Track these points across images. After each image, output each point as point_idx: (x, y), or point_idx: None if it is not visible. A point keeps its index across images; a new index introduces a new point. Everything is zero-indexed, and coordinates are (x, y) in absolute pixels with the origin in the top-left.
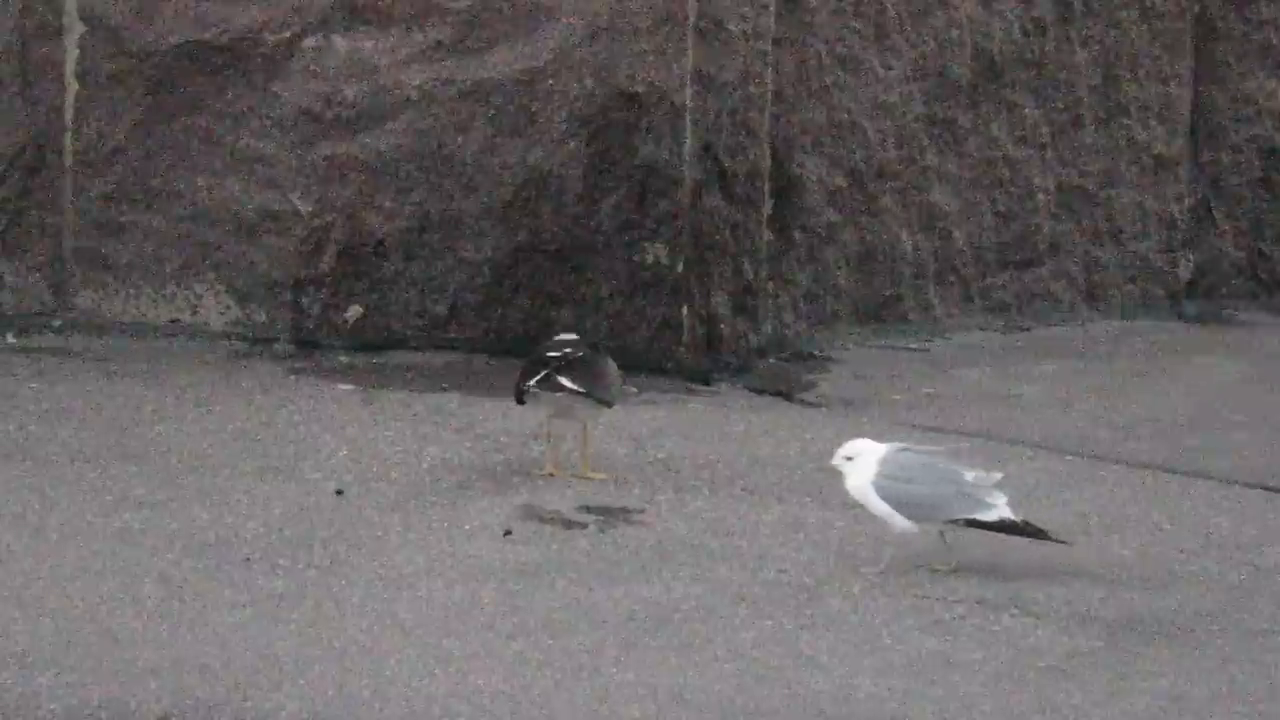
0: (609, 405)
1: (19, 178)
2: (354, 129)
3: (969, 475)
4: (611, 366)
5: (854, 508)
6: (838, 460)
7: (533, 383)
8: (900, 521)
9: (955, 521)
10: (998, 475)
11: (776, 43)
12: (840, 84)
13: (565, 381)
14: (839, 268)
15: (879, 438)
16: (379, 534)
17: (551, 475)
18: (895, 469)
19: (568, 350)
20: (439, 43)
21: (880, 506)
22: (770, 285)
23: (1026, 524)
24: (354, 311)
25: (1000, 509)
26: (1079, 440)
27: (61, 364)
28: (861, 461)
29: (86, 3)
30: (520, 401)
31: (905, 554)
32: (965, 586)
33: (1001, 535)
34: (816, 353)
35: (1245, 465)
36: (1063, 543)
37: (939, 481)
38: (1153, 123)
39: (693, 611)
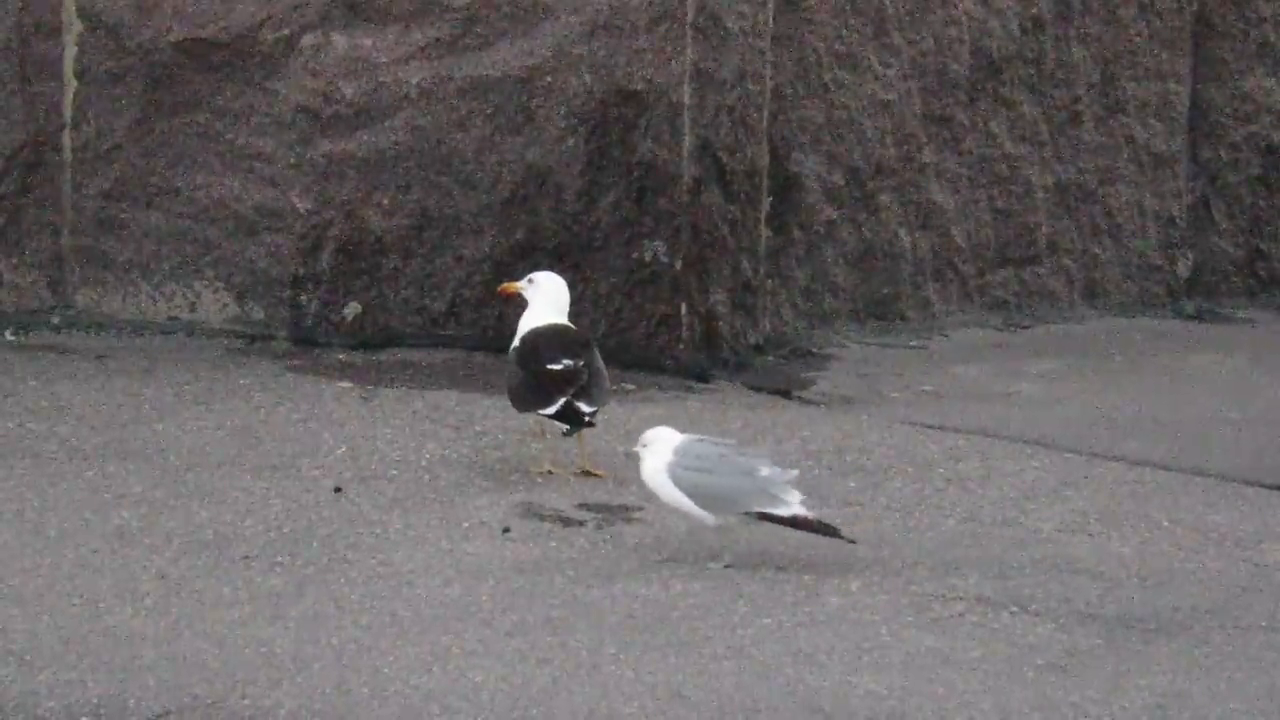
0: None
1: (18, 175)
2: (353, 126)
3: (764, 470)
4: (599, 358)
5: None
6: (639, 447)
7: (550, 413)
8: (693, 510)
9: (748, 514)
10: (794, 473)
11: (775, 40)
12: (839, 81)
13: (583, 408)
14: (838, 265)
15: (879, 436)
16: (378, 532)
17: (550, 473)
18: (691, 459)
19: (568, 361)
20: (438, 40)
21: (674, 495)
22: (769, 283)
23: (819, 521)
24: (352, 309)
25: (794, 505)
26: (1077, 437)
27: (60, 361)
28: (656, 449)
29: (85, 0)
30: (521, 411)
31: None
32: (964, 584)
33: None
34: (815, 350)
35: (1243, 463)
36: (852, 541)
37: (734, 474)
38: (1151, 120)
39: (691, 609)
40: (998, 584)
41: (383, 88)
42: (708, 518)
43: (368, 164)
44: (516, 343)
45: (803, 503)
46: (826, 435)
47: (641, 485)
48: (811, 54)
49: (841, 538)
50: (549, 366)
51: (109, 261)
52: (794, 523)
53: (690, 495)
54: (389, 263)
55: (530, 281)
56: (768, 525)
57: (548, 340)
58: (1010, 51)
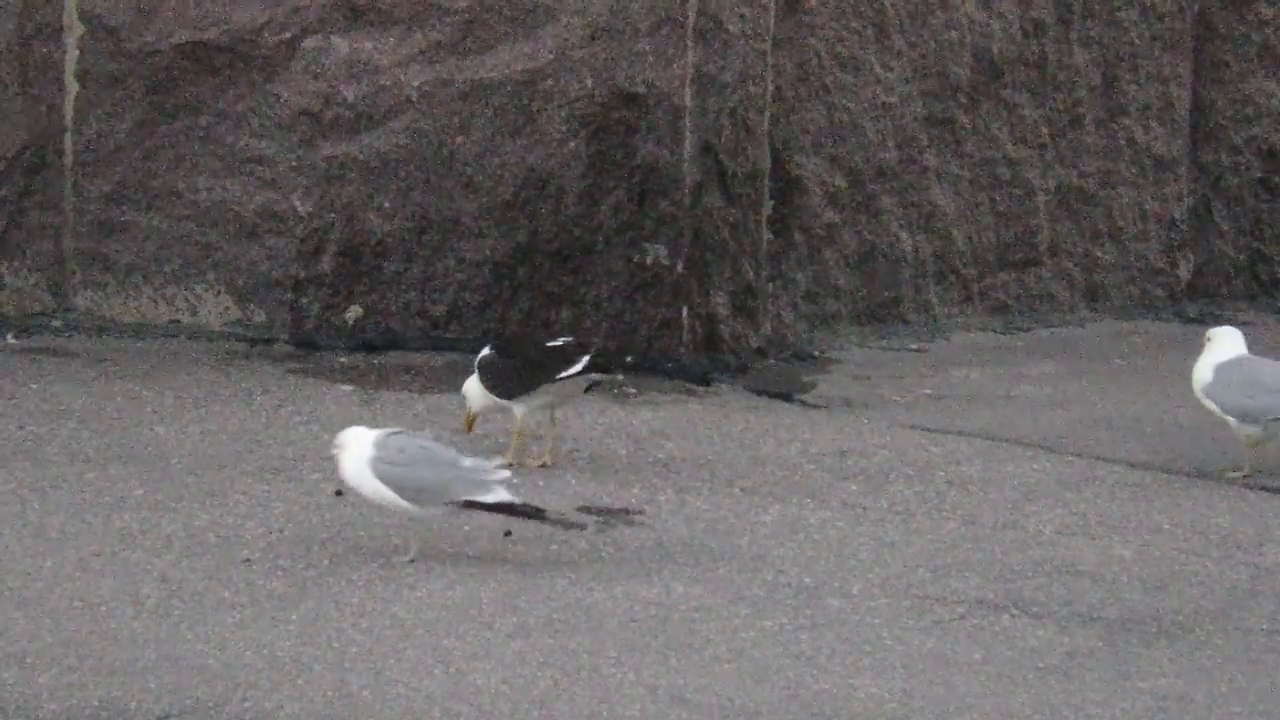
0: None
1: (19, 178)
2: (354, 129)
3: (466, 460)
4: None
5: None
6: (335, 450)
7: (578, 370)
8: (399, 504)
9: (455, 503)
10: (498, 460)
11: (776, 43)
12: (840, 84)
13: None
14: (839, 268)
15: (879, 439)
16: (379, 534)
17: (545, 466)
18: (392, 453)
19: (564, 339)
20: (439, 43)
21: (380, 490)
22: (770, 285)
23: (526, 505)
24: (354, 312)
25: (500, 492)
26: (1078, 440)
27: (61, 364)
28: (354, 448)
29: (86, 3)
30: (534, 385)
31: (419, 537)
32: (965, 587)
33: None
34: (816, 353)
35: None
36: (575, 525)
37: (437, 465)
38: (1152, 123)
39: (692, 612)
40: (999, 586)
41: (384, 90)
42: (414, 510)
43: (369, 167)
44: (485, 353)
45: (509, 489)
46: (827, 438)
47: (344, 484)
48: (813, 57)
49: (549, 521)
50: (550, 344)
51: (110, 264)
52: (500, 508)
53: (395, 489)
54: (390, 266)
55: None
56: (476, 513)
57: (524, 335)
58: (1011, 54)
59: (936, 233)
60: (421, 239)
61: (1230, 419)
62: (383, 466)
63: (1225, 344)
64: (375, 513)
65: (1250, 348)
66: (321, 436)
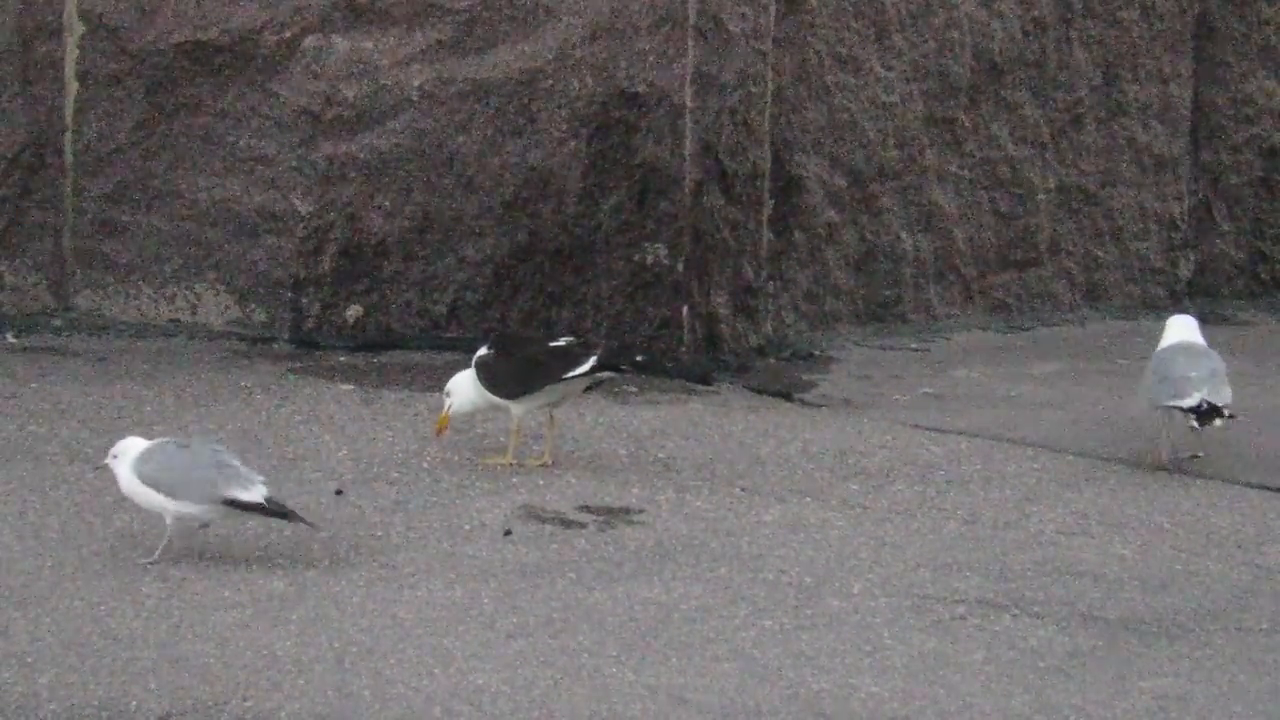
0: None
1: (19, 177)
2: (354, 129)
3: (234, 463)
4: None
5: (126, 502)
6: (109, 460)
7: (588, 368)
8: (166, 503)
9: (217, 502)
10: (260, 477)
11: (777, 43)
12: (840, 84)
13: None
14: (839, 267)
15: (880, 438)
16: (379, 534)
17: (545, 466)
18: (154, 453)
19: (566, 339)
20: (439, 42)
21: (145, 492)
22: (770, 285)
23: (287, 511)
24: (354, 311)
25: (257, 494)
26: (1079, 440)
27: (61, 364)
28: (126, 457)
29: (86, 3)
30: (543, 384)
31: (181, 540)
32: (966, 586)
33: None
34: (817, 353)
35: (1245, 465)
36: (312, 525)
37: (198, 466)
38: (1153, 123)
39: (693, 611)
40: (999, 586)
41: (384, 90)
42: (176, 506)
43: (369, 166)
44: (483, 352)
45: (267, 497)
46: (828, 438)
47: (126, 497)
48: (813, 56)
49: (303, 522)
50: (552, 345)
51: (110, 264)
52: (257, 508)
53: (156, 487)
54: (390, 265)
55: (449, 394)
56: (238, 513)
57: (524, 335)
58: (1012, 54)
59: (937, 232)
60: (422, 238)
61: (1142, 404)
62: (143, 467)
63: (1170, 332)
64: (151, 518)
65: (1243, 343)
66: (322, 436)
